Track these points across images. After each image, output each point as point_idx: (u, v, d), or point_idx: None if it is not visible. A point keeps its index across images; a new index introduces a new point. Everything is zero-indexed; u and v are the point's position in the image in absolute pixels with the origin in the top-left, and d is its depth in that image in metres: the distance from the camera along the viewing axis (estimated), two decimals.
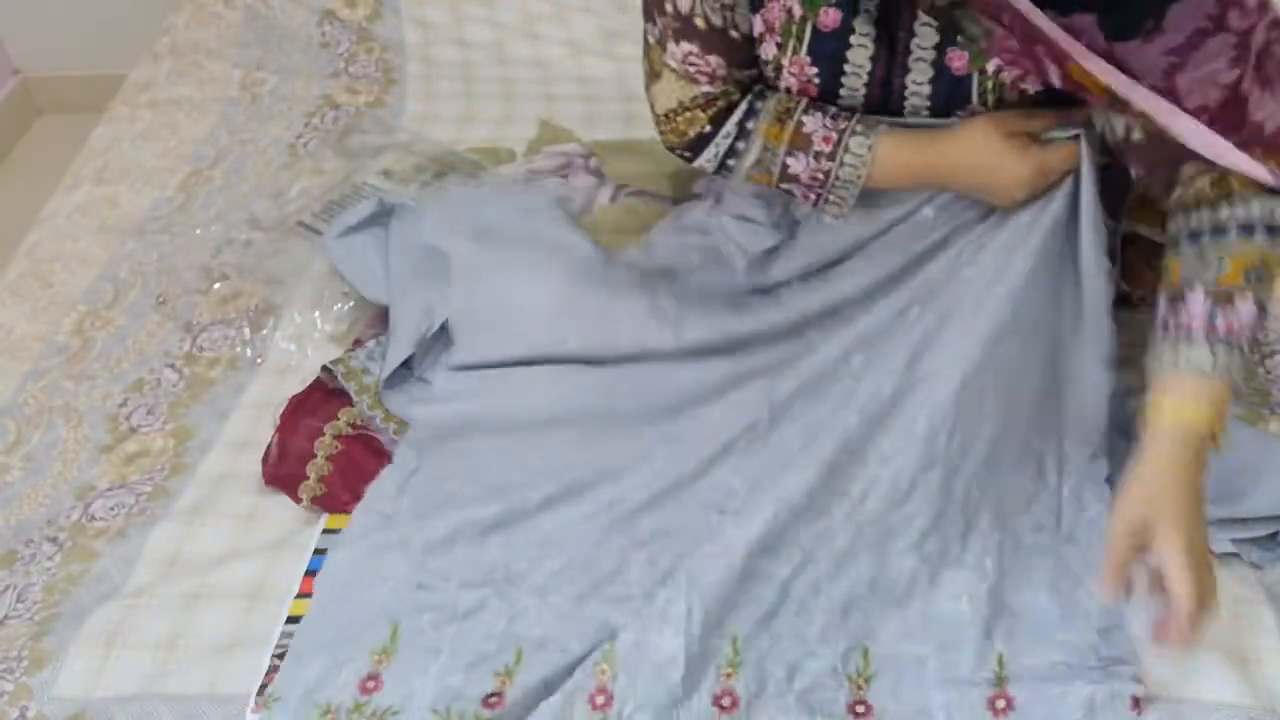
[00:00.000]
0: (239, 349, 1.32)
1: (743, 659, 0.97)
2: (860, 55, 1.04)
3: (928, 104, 1.06)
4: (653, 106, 1.15)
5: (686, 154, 1.16)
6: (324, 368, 1.22)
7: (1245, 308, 0.93)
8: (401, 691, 0.97)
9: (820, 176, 1.09)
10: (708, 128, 1.12)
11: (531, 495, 1.08)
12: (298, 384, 1.24)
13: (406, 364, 1.21)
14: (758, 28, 1.06)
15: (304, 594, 1.05)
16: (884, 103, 1.08)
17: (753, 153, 1.11)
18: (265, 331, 1.34)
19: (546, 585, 1.03)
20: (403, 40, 1.85)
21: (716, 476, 1.09)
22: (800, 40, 1.05)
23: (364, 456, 1.16)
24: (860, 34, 1.03)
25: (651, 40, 1.10)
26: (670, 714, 0.93)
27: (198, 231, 1.49)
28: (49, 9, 2.48)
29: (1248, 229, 0.95)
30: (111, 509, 1.16)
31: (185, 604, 1.05)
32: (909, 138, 1.07)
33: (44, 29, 2.52)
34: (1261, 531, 1.04)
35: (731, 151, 1.12)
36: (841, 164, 1.08)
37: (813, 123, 1.08)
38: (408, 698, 0.96)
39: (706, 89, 1.10)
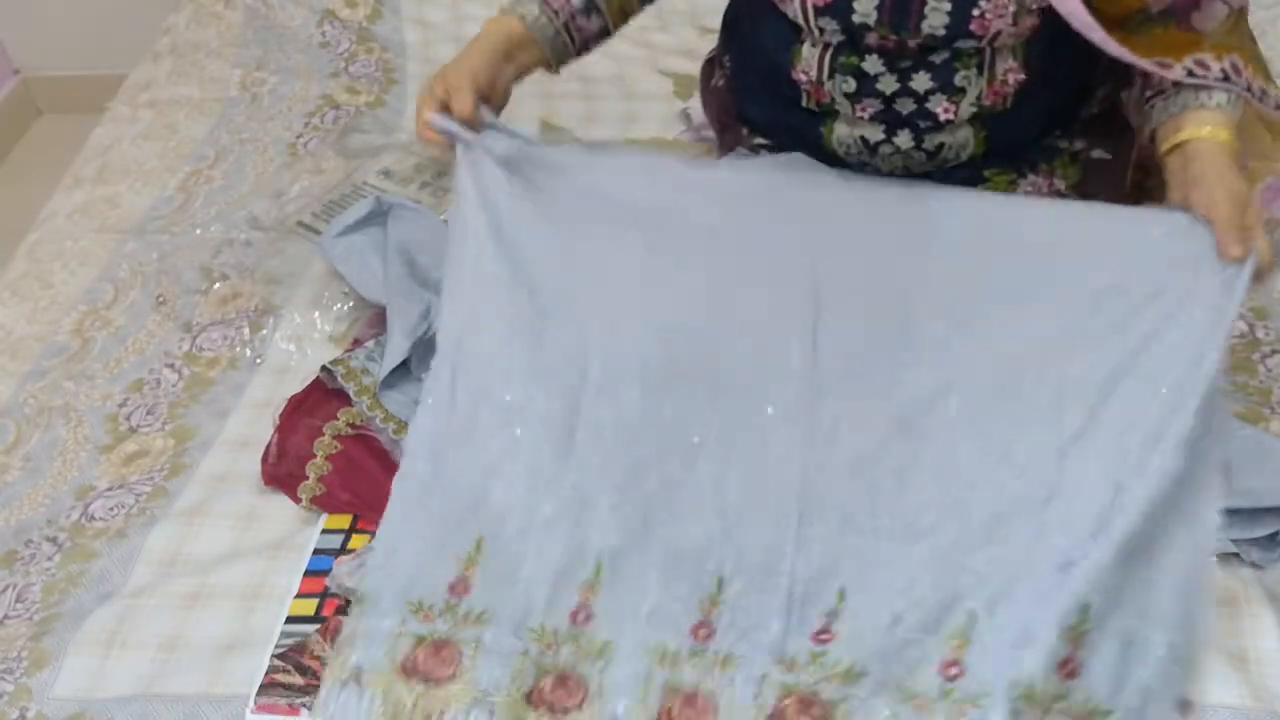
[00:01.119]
0: (239, 349, 1.32)
1: (846, 605, 0.98)
2: None
3: (949, 7, 1.07)
4: None
5: None
6: (323, 368, 1.22)
7: (1234, 61, 1.10)
8: (489, 598, 0.99)
9: None
10: None
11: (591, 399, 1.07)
12: (297, 384, 1.24)
13: (405, 364, 1.21)
14: None
15: (304, 594, 1.05)
16: (900, 8, 1.08)
17: None
18: (265, 332, 1.34)
19: (617, 504, 1.03)
20: (403, 40, 1.85)
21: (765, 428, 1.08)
22: None
23: (363, 456, 1.16)
24: None
25: None
26: (770, 651, 0.96)
27: (198, 231, 1.49)
28: (49, 9, 2.49)
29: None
30: (111, 509, 1.16)
31: (185, 604, 1.05)
32: (499, 34, 1.18)
33: (44, 29, 2.52)
34: (1261, 531, 1.04)
35: None
36: None
37: None
38: (497, 605, 0.99)
39: None
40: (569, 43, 1.22)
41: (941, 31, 1.09)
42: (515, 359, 1.09)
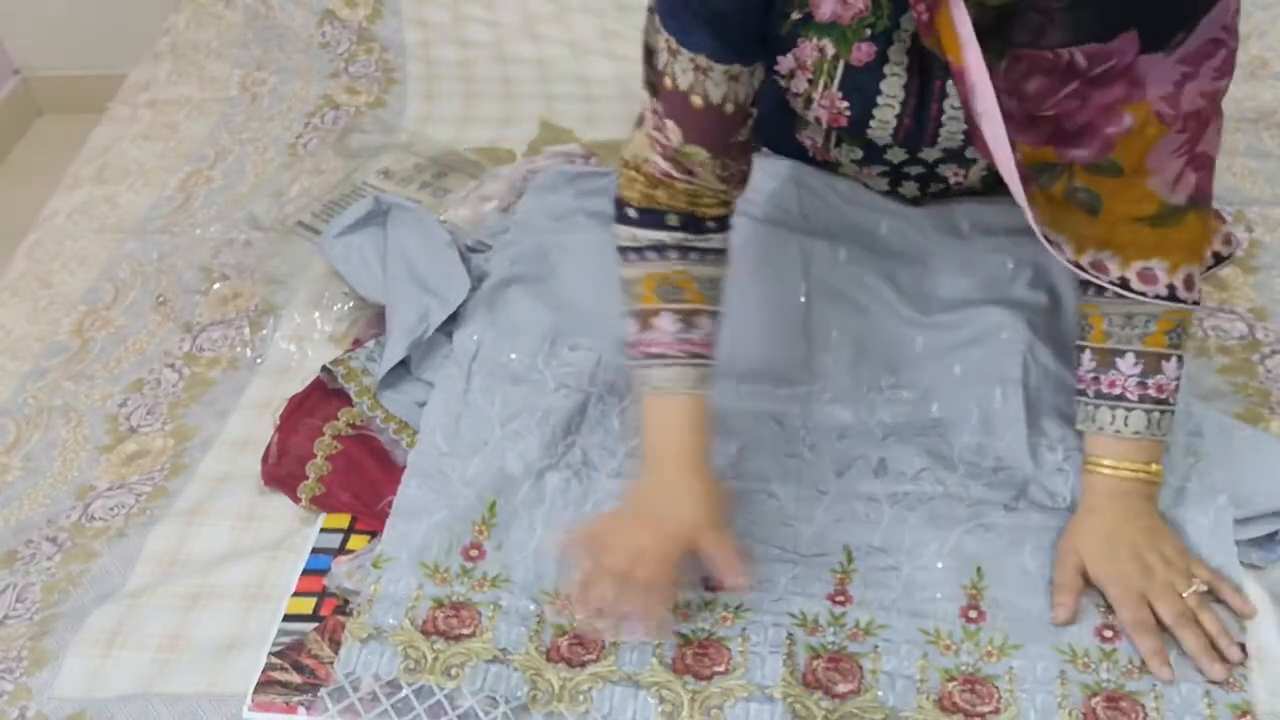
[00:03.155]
0: (239, 349, 1.32)
1: (856, 566, 1.04)
2: (894, 85, 1.02)
3: (964, 128, 1.04)
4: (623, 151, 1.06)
5: (614, 209, 1.06)
6: (324, 368, 1.22)
7: (1169, 367, 1.01)
8: (505, 562, 1.05)
9: (632, 355, 1.04)
10: (632, 210, 1.03)
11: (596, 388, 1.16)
12: (297, 384, 1.24)
13: (404, 364, 1.21)
14: (787, 65, 1.03)
15: (301, 593, 1.05)
16: (917, 131, 1.06)
17: (630, 273, 1.04)
18: (265, 332, 1.34)
19: (621, 470, 1.10)
20: (403, 40, 1.85)
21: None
22: (832, 76, 1.02)
23: (363, 457, 1.16)
24: (894, 64, 1.00)
25: (646, 101, 1.03)
26: (783, 602, 1.01)
27: (198, 231, 1.49)
28: (49, 9, 2.49)
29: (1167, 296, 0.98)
30: (111, 509, 1.16)
31: (185, 604, 1.05)
32: (673, 425, 1.00)
33: (44, 29, 2.52)
34: (1261, 531, 1.04)
35: (624, 252, 1.05)
36: (642, 377, 1.02)
37: (668, 322, 1.01)
38: (511, 569, 1.04)
39: (661, 164, 1.01)
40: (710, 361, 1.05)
41: (959, 138, 1.07)
42: (535, 339, 1.20)
